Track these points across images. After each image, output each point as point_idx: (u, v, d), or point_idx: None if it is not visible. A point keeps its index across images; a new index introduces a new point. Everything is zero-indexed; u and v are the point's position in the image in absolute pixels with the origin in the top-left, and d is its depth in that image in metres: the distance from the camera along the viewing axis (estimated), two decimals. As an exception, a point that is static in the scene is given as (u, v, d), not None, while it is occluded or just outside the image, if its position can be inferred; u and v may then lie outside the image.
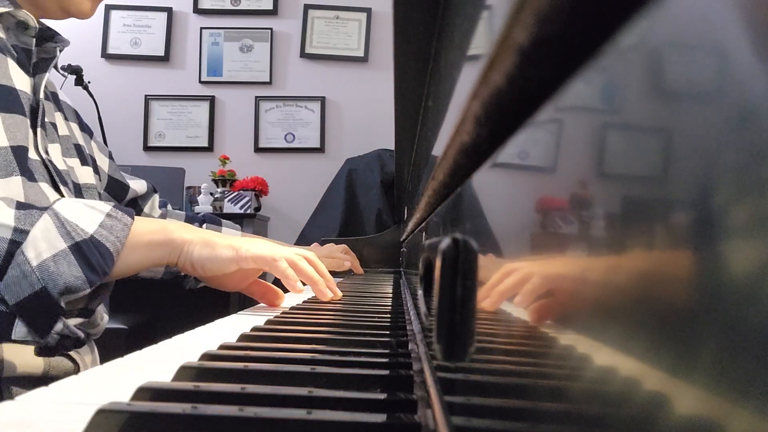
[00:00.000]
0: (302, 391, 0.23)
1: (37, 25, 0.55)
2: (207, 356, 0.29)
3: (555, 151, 0.11)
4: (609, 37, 0.08)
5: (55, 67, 0.58)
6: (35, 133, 0.52)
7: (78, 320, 0.48)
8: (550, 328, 0.10)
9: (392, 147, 0.96)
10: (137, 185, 0.75)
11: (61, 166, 0.55)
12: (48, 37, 0.57)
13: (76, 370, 0.52)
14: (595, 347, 0.08)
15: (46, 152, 0.53)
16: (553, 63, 0.11)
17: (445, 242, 0.17)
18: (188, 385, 0.23)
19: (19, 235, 0.39)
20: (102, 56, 2.06)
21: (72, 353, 0.51)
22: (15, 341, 0.40)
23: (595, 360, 0.08)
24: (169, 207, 0.82)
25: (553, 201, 0.11)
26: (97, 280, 0.41)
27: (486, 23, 0.14)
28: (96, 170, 0.65)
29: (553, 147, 0.11)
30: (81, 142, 0.63)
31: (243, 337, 0.35)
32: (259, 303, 0.59)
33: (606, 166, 0.08)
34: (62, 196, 0.52)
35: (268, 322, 0.43)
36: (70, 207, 0.42)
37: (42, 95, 0.54)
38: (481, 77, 0.13)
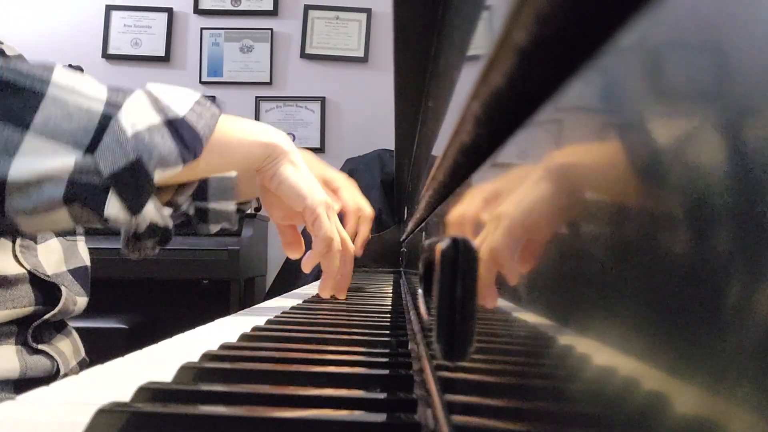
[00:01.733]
0: (303, 390, 0.23)
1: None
2: (207, 356, 0.29)
3: (555, 151, 0.11)
4: (609, 37, 0.08)
5: None
6: None
7: (168, 209, 0.45)
8: (551, 329, 0.10)
9: (392, 147, 0.96)
10: None
11: None
12: None
13: (56, 367, 0.49)
14: (595, 347, 0.08)
15: None
16: (552, 63, 0.11)
17: (445, 242, 0.17)
18: (189, 385, 0.23)
19: (112, 108, 0.38)
20: (102, 56, 2.06)
21: (50, 351, 0.49)
22: (107, 219, 0.38)
23: (595, 359, 0.08)
24: None
25: (553, 201, 0.11)
26: (190, 158, 0.40)
27: (486, 23, 0.14)
28: None
29: (553, 147, 0.11)
30: None
31: (243, 337, 0.35)
32: (259, 303, 0.59)
33: (606, 167, 0.08)
34: None
35: (269, 321, 0.43)
36: (161, 88, 0.42)
37: None
38: (481, 77, 0.13)
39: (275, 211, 0.53)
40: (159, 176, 0.39)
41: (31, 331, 0.47)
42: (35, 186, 0.36)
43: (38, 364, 0.48)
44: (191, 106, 0.42)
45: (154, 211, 0.40)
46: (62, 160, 0.36)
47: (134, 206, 0.38)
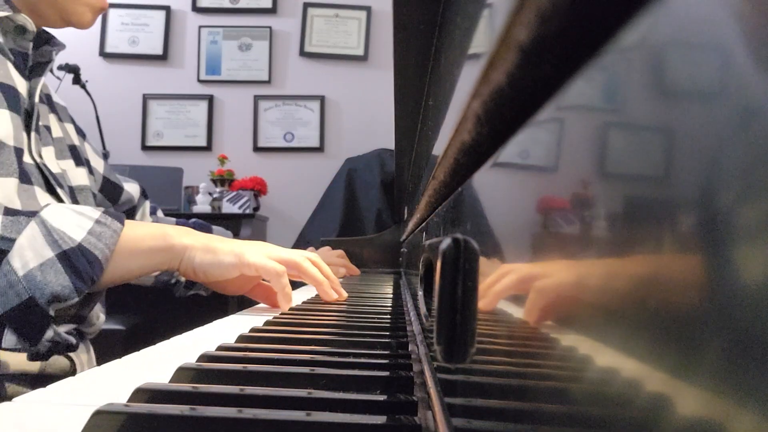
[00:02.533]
0: (301, 392, 0.23)
1: (35, 29, 0.55)
2: (205, 357, 0.28)
3: (557, 150, 0.11)
4: (611, 36, 0.08)
5: (51, 70, 0.58)
6: (29, 137, 0.52)
7: (70, 326, 0.47)
8: (551, 330, 0.10)
9: (392, 146, 0.96)
10: (131, 188, 0.74)
11: (55, 169, 0.54)
12: (44, 40, 0.57)
13: (73, 368, 0.51)
14: (597, 348, 0.08)
15: (40, 156, 0.52)
16: (554, 62, 0.11)
17: (446, 242, 0.17)
18: (186, 387, 0.23)
19: (5, 243, 0.39)
20: (100, 55, 2.05)
21: (69, 353, 0.50)
22: (5, 349, 0.40)
23: (596, 361, 0.08)
24: (160, 213, 0.81)
25: (554, 201, 0.10)
26: (85, 288, 0.41)
27: (487, 21, 0.14)
28: (90, 171, 0.65)
29: (554, 146, 0.11)
30: (76, 142, 0.63)
31: (241, 338, 0.35)
32: (258, 303, 0.59)
33: (608, 166, 0.08)
34: (59, 199, 0.51)
35: (267, 323, 0.43)
36: (57, 213, 0.42)
37: (37, 99, 0.54)
38: (482, 76, 0.13)
39: (231, 288, 0.54)
40: (55, 308, 0.40)
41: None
42: None
43: (57, 362, 0.50)
44: (90, 228, 0.42)
45: (53, 335, 0.41)
46: None
47: (31, 338, 0.40)
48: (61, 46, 0.58)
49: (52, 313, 0.40)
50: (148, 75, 2.06)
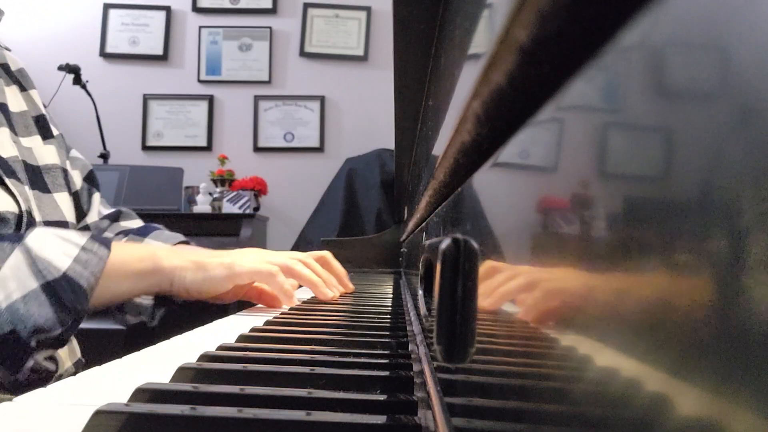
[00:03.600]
0: (301, 392, 0.23)
1: None
2: (205, 357, 0.28)
3: (557, 150, 0.11)
4: (611, 36, 0.08)
5: None
6: None
7: (49, 352, 0.45)
8: (552, 330, 0.10)
9: (392, 146, 0.96)
10: (74, 174, 0.60)
11: (8, 153, 0.49)
12: None
13: (55, 365, 0.50)
14: (597, 349, 0.08)
15: None
16: (554, 62, 0.11)
17: (446, 242, 0.17)
18: (187, 386, 0.23)
19: None
20: (100, 55, 2.05)
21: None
22: None
23: (597, 362, 0.08)
24: (129, 222, 0.68)
25: (555, 201, 0.10)
26: (69, 319, 0.40)
27: (487, 21, 0.14)
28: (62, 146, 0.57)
29: (554, 147, 0.11)
30: (42, 110, 0.56)
31: (242, 338, 0.35)
32: (256, 304, 0.59)
33: (608, 166, 0.08)
34: (7, 189, 0.46)
35: (267, 323, 0.43)
36: (43, 241, 0.41)
37: None
38: (482, 76, 0.13)
39: (225, 297, 0.53)
40: (38, 339, 0.40)
41: None
42: None
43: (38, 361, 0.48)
44: (75, 256, 0.41)
45: (34, 364, 0.41)
46: None
47: (13, 368, 0.39)
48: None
49: (33, 344, 0.39)
50: (149, 75, 2.06)
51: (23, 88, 0.56)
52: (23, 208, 0.46)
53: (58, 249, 0.41)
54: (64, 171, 0.56)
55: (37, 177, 0.52)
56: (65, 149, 0.60)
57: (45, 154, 0.54)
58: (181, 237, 0.63)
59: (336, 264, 0.58)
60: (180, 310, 0.55)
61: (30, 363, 0.40)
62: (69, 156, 0.61)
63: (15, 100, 0.54)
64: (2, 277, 0.39)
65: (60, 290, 0.40)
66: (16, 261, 0.39)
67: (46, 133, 0.55)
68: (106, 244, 0.44)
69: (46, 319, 0.39)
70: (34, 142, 0.54)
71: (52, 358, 0.46)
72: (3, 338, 0.38)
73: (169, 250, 0.49)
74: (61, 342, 0.46)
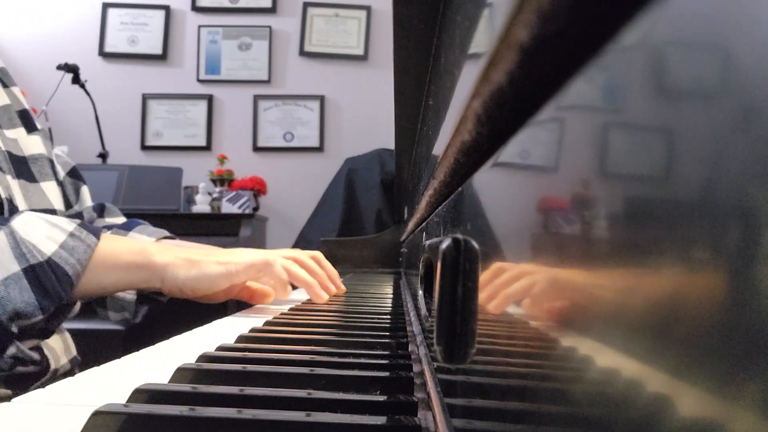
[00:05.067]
0: (301, 393, 0.22)
1: None
2: (204, 358, 0.28)
3: (557, 150, 0.11)
4: (612, 35, 0.08)
5: None
6: None
7: (34, 342, 0.44)
8: (552, 330, 0.10)
9: (392, 146, 0.96)
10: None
11: None
12: None
13: (46, 363, 0.49)
14: (597, 349, 0.08)
15: None
16: (555, 61, 0.11)
17: (446, 242, 0.17)
18: (185, 387, 0.23)
19: None
20: (99, 54, 2.05)
21: (40, 345, 0.48)
22: None
23: (597, 362, 0.08)
24: (113, 218, 0.68)
25: (555, 201, 0.10)
26: (51, 306, 0.39)
27: (487, 21, 0.14)
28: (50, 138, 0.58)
29: (555, 146, 0.11)
30: (25, 105, 0.57)
31: (241, 339, 0.35)
32: (258, 304, 0.59)
33: (609, 166, 0.08)
34: None
35: (267, 323, 0.43)
36: (29, 224, 0.40)
37: None
38: (483, 75, 0.13)
39: (216, 297, 0.52)
40: (19, 325, 0.38)
41: None
42: None
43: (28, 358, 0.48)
44: (62, 241, 0.40)
45: (15, 351, 0.40)
46: None
47: None
48: None
49: (14, 329, 0.38)
50: (148, 74, 2.06)
51: (5, 85, 0.56)
52: (3, 195, 0.45)
53: (44, 233, 0.40)
54: (51, 161, 0.55)
55: (22, 167, 0.51)
56: (51, 142, 0.60)
57: (30, 144, 0.54)
58: (165, 233, 0.63)
59: (328, 264, 0.57)
60: (166, 308, 0.54)
61: (12, 350, 0.39)
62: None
63: None
64: None
65: (42, 275, 0.39)
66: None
67: (30, 126, 0.55)
68: (95, 232, 0.43)
69: (27, 304, 0.38)
70: (18, 133, 0.53)
71: (38, 349, 0.45)
72: None
73: (162, 247, 0.48)
74: (46, 332, 0.45)
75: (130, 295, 0.57)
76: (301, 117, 2.05)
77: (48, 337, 0.48)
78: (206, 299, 0.53)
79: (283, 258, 0.54)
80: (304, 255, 0.57)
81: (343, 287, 0.58)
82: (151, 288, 0.47)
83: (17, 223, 0.40)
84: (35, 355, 0.42)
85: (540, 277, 0.11)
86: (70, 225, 0.42)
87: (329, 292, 0.57)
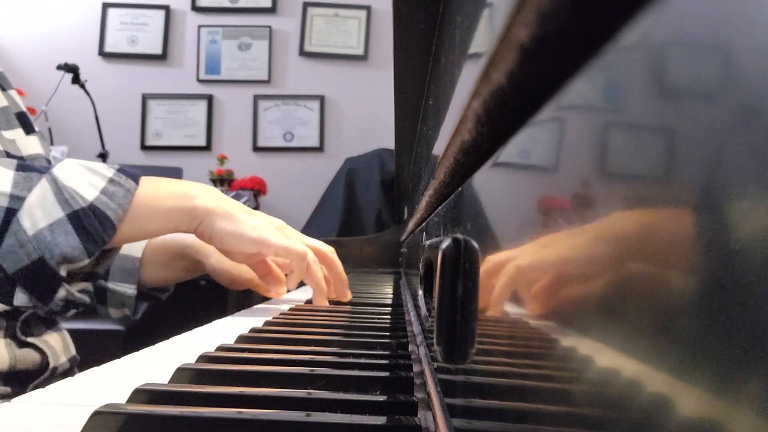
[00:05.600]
0: (301, 393, 0.22)
1: None
2: (204, 358, 0.28)
3: (557, 150, 0.11)
4: (613, 35, 0.08)
5: None
6: None
7: (83, 285, 0.45)
8: (552, 330, 0.10)
9: (392, 146, 0.96)
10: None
11: None
12: None
13: (45, 361, 0.49)
14: (598, 349, 0.08)
15: None
16: (555, 61, 0.11)
17: (446, 242, 0.17)
18: (185, 387, 0.23)
19: (16, 201, 0.38)
20: (99, 54, 2.05)
21: (39, 344, 0.48)
22: (19, 307, 0.39)
23: (597, 362, 0.08)
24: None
25: (555, 201, 0.10)
26: (96, 249, 0.40)
27: (487, 21, 0.14)
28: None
29: (555, 146, 0.11)
30: (23, 108, 0.58)
31: (241, 339, 0.35)
32: (257, 304, 0.59)
33: (608, 166, 0.08)
34: None
35: (267, 323, 0.43)
36: (70, 171, 0.41)
37: None
38: (483, 75, 0.13)
39: (235, 257, 0.52)
40: (67, 269, 0.39)
41: (20, 324, 0.47)
42: None
43: (27, 357, 0.48)
44: (102, 187, 0.41)
45: (65, 294, 0.41)
46: None
47: (42, 297, 0.39)
48: None
49: (63, 273, 0.39)
50: (148, 74, 2.06)
51: (3, 88, 0.57)
52: None
53: (85, 180, 0.41)
54: (48, 161, 0.56)
55: None
56: (48, 144, 0.61)
57: (28, 144, 0.55)
58: None
59: (340, 269, 0.56)
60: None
61: (62, 293, 0.40)
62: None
63: None
64: (29, 206, 0.38)
65: (86, 220, 0.40)
66: (42, 190, 0.39)
67: (28, 128, 0.57)
68: (135, 177, 0.44)
69: (73, 248, 0.39)
70: (16, 134, 0.54)
71: (87, 291, 0.46)
72: (31, 266, 0.38)
73: (204, 189, 0.48)
74: (92, 276, 0.46)
75: (130, 290, 0.57)
76: (301, 117, 2.05)
77: (95, 280, 0.49)
78: (227, 255, 0.52)
79: (311, 249, 0.52)
80: (330, 251, 0.56)
81: (349, 295, 0.58)
82: (186, 231, 0.46)
83: (58, 170, 0.41)
84: (86, 298, 0.43)
85: (540, 277, 0.11)
86: (109, 171, 0.43)
87: (342, 295, 0.57)
